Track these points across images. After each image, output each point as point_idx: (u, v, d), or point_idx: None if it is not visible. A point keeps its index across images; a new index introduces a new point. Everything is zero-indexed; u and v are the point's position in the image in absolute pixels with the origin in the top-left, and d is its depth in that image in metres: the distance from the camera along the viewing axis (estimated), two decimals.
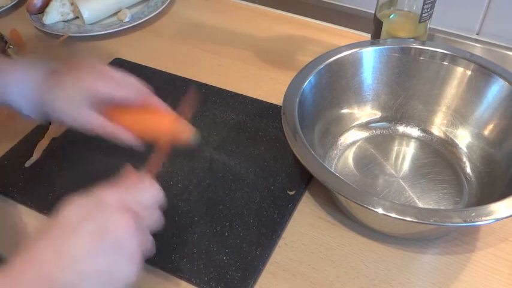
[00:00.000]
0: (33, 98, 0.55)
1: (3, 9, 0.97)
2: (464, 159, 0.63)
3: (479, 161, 0.62)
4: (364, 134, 0.68)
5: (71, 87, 0.55)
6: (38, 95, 0.55)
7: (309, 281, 0.53)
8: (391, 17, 0.70)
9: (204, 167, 0.64)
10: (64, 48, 0.88)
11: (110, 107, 0.56)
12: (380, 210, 0.47)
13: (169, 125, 0.55)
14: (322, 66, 0.64)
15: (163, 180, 0.63)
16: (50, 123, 0.69)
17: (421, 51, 0.66)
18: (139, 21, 0.91)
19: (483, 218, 0.46)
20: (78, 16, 0.93)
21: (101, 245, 0.39)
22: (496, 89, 0.61)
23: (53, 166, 0.65)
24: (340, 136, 0.67)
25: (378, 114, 0.69)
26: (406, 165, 0.64)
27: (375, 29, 0.72)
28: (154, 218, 0.46)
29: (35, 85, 0.55)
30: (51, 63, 0.57)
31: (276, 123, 0.69)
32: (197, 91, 0.62)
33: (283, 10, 0.94)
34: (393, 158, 0.65)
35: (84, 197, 0.42)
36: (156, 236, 0.57)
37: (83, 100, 0.54)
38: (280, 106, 0.59)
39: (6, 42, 0.87)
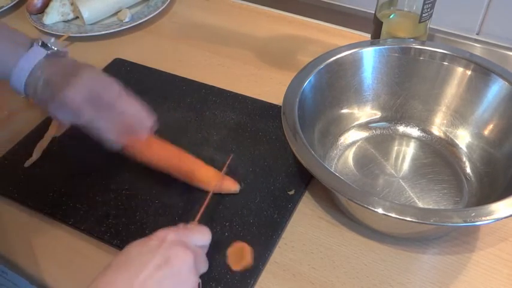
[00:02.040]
0: (28, 78, 0.55)
1: (3, 9, 0.97)
2: (464, 159, 0.63)
3: (479, 161, 0.62)
4: (364, 134, 0.68)
5: (64, 76, 0.54)
6: (33, 78, 0.55)
7: (309, 281, 0.53)
8: (391, 17, 0.70)
9: None
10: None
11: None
12: (380, 210, 0.47)
13: (212, 181, 0.59)
14: (322, 66, 0.64)
15: (164, 180, 0.63)
16: (50, 124, 0.68)
17: (421, 51, 0.66)
18: (140, 21, 0.91)
19: (483, 218, 0.46)
20: (78, 16, 0.93)
21: (165, 273, 0.42)
22: (495, 89, 0.61)
23: (53, 166, 0.65)
24: (340, 136, 0.67)
25: (378, 114, 0.69)
26: (406, 165, 0.64)
27: (375, 29, 0.72)
28: (204, 260, 0.49)
29: (35, 69, 0.55)
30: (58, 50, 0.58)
31: (276, 123, 0.69)
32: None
33: (283, 10, 0.94)
34: (393, 158, 0.65)
35: (145, 238, 0.46)
36: None
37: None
38: (280, 106, 0.59)
39: None
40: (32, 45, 0.56)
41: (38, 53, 0.55)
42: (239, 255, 0.54)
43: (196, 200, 0.60)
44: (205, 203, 0.55)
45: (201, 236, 0.49)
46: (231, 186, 0.60)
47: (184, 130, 0.69)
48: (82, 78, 0.55)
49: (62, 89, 0.54)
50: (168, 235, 0.45)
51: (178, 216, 0.59)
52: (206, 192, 0.58)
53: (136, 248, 0.44)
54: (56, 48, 0.57)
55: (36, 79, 0.55)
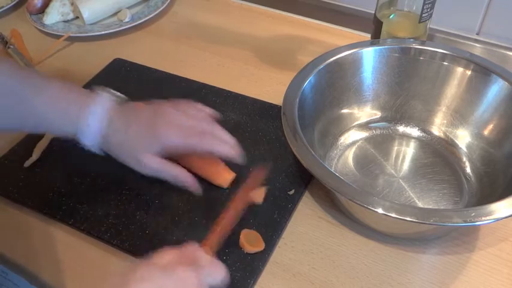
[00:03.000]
0: (98, 135, 0.54)
1: (3, 9, 0.97)
2: (464, 159, 0.63)
3: (479, 161, 0.62)
4: (364, 134, 0.68)
5: (141, 133, 0.54)
6: (104, 134, 0.54)
7: (309, 281, 0.53)
8: (391, 17, 0.70)
9: None
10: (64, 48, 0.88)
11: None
12: (380, 210, 0.47)
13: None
14: (322, 66, 0.64)
15: (164, 180, 0.62)
16: None
17: (421, 51, 0.66)
18: (140, 21, 0.91)
19: (483, 218, 0.46)
20: (78, 16, 0.93)
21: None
22: (496, 89, 0.61)
23: (53, 166, 0.65)
24: (340, 136, 0.67)
25: (378, 114, 0.69)
26: (406, 165, 0.64)
27: (375, 29, 0.72)
28: None
29: (103, 124, 0.54)
30: (120, 97, 0.57)
31: (276, 123, 0.69)
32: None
33: (283, 10, 0.94)
34: (393, 158, 0.65)
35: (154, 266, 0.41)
36: (156, 235, 0.57)
37: (149, 148, 0.54)
38: (280, 106, 0.59)
39: (6, 43, 0.87)
40: (95, 95, 0.54)
41: (105, 102, 0.54)
42: (252, 239, 0.54)
43: (197, 200, 0.60)
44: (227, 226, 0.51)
45: (214, 276, 0.43)
46: (257, 197, 0.54)
47: None
48: (170, 115, 0.55)
49: (156, 132, 0.53)
50: (184, 273, 0.40)
51: (178, 216, 0.59)
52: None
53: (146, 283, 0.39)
54: (117, 93, 0.57)
55: (111, 130, 0.54)
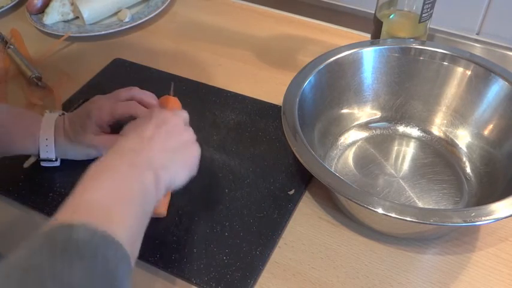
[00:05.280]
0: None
1: (3, 9, 0.97)
2: (464, 159, 0.63)
3: (479, 161, 0.62)
4: (364, 134, 0.68)
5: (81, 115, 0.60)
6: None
7: (309, 281, 0.53)
8: (391, 17, 0.70)
9: (204, 167, 0.64)
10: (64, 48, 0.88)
11: None
12: (380, 210, 0.47)
13: None
14: (322, 66, 0.64)
15: None
16: None
17: (421, 51, 0.66)
18: (140, 21, 0.91)
19: (483, 218, 0.46)
20: (78, 16, 0.93)
21: (167, 128, 0.49)
22: (495, 89, 0.61)
23: (53, 166, 0.65)
24: (340, 136, 0.67)
25: (377, 114, 0.69)
26: (406, 165, 0.64)
27: (375, 29, 0.72)
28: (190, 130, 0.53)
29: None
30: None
31: (276, 123, 0.69)
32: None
33: (283, 10, 0.94)
34: (393, 158, 0.65)
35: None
36: (157, 236, 0.57)
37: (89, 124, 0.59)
38: (280, 106, 0.59)
39: (6, 43, 0.87)
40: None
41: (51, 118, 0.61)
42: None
43: (197, 200, 0.60)
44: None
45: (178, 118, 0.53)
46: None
47: None
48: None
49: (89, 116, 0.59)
50: (154, 110, 0.52)
51: (178, 216, 0.59)
52: None
53: (131, 127, 0.49)
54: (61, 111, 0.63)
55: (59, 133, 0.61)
